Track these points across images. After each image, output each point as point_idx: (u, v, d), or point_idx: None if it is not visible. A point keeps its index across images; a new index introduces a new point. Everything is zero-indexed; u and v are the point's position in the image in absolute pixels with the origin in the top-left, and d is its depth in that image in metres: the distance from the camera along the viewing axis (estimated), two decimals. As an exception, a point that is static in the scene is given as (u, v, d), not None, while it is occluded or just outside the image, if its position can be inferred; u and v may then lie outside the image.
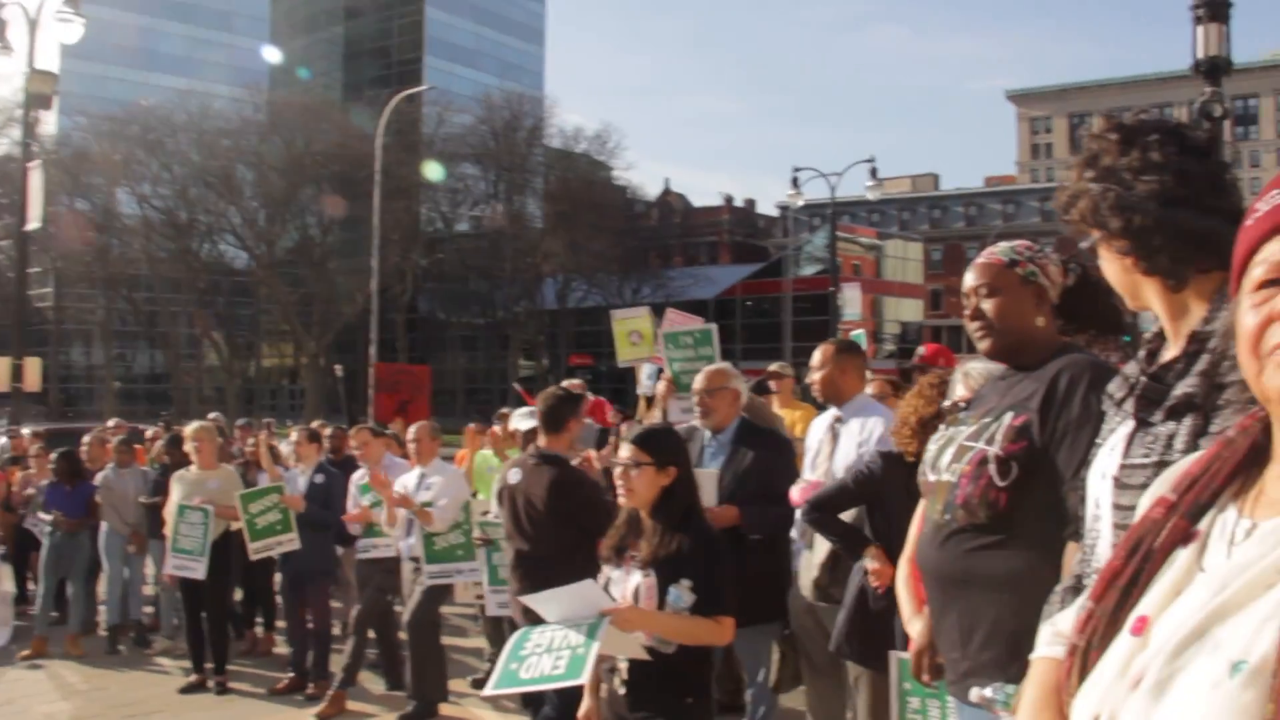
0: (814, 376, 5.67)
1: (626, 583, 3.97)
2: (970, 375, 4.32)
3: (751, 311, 68.12)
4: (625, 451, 4.10)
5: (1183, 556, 1.31)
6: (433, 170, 64.57)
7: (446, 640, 8.43)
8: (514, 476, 6.05)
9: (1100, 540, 2.10)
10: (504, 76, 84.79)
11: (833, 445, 5.56)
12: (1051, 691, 1.45)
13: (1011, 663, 2.53)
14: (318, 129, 63.23)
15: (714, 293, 68.52)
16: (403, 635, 8.28)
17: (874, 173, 35.99)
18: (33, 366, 19.66)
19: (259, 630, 10.24)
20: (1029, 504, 2.80)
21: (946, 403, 4.33)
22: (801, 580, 5.47)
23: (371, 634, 8.52)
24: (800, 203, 40.78)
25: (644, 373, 8.90)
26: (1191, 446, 1.85)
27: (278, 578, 9.32)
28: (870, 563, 4.83)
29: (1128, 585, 1.33)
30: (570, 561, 5.54)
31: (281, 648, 9.64)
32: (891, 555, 4.60)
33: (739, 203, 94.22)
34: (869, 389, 6.53)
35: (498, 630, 8.50)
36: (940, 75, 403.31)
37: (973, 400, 3.25)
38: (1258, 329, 1.27)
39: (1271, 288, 1.27)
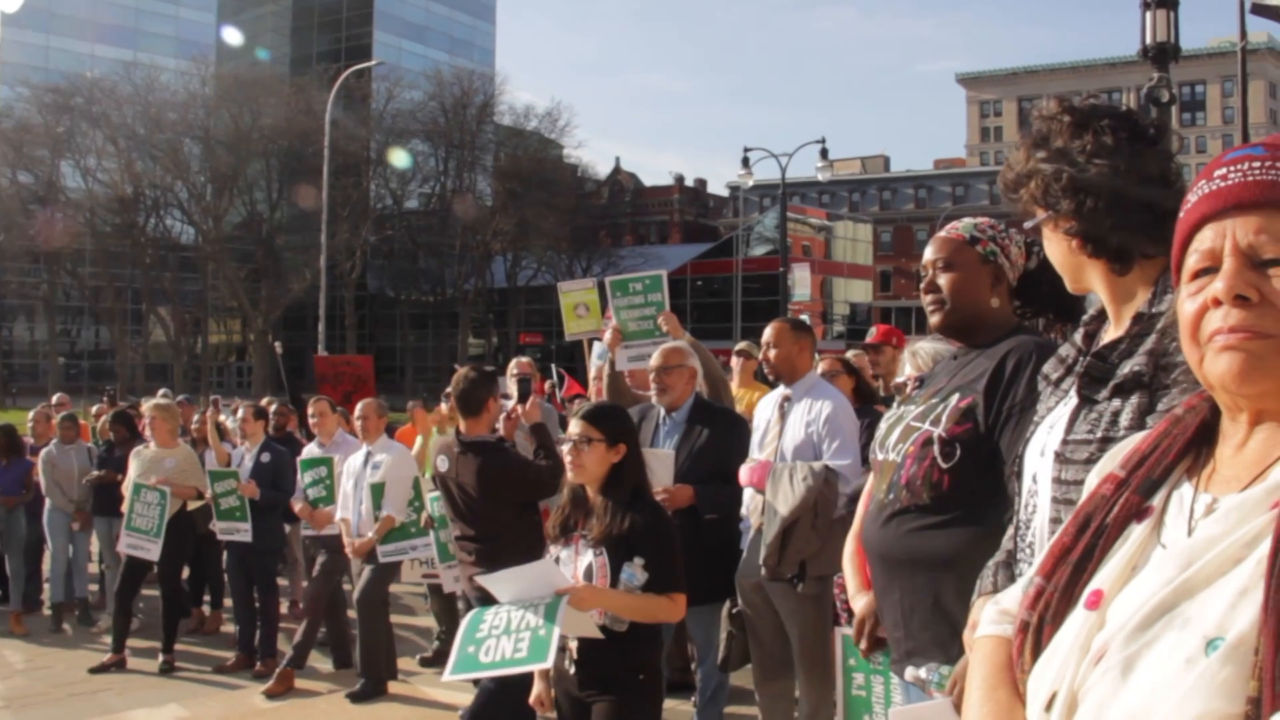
0: (770, 354, 5.66)
1: (577, 562, 3.96)
2: (918, 354, 4.36)
3: (702, 291, 68.09)
4: (575, 428, 4.07)
5: (1137, 531, 1.33)
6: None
7: (395, 619, 8.41)
8: (442, 464, 5.99)
9: (1036, 515, 2.12)
10: (454, 53, 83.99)
11: (781, 424, 5.57)
12: (1003, 669, 1.45)
13: (953, 642, 2.53)
14: (266, 103, 62.45)
15: (664, 272, 68.46)
16: (351, 614, 8.25)
17: (824, 153, 35.96)
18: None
19: (206, 609, 10.17)
20: (972, 486, 2.81)
21: (896, 381, 4.37)
22: (752, 559, 5.49)
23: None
24: (750, 183, 40.84)
25: (595, 351, 8.87)
26: (1138, 424, 1.87)
27: (225, 556, 9.25)
28: None
29: (1080, 560, 1.34)
30: (514, 537, 5.57)
31: (228, 626, 9.57)
32: None
33: (690, 182, 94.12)
34: (820, 366, 6.58)
35: (446, 609, 8.50)
36: (890, 57, 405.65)
37: (925, 379, 3.25)
38: (1195, 317, 1.30)
39: (1206, 276, 1.30)
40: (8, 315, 69.68)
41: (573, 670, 4.00)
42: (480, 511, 5.79)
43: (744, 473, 5.54)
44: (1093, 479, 1.48)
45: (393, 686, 7.87)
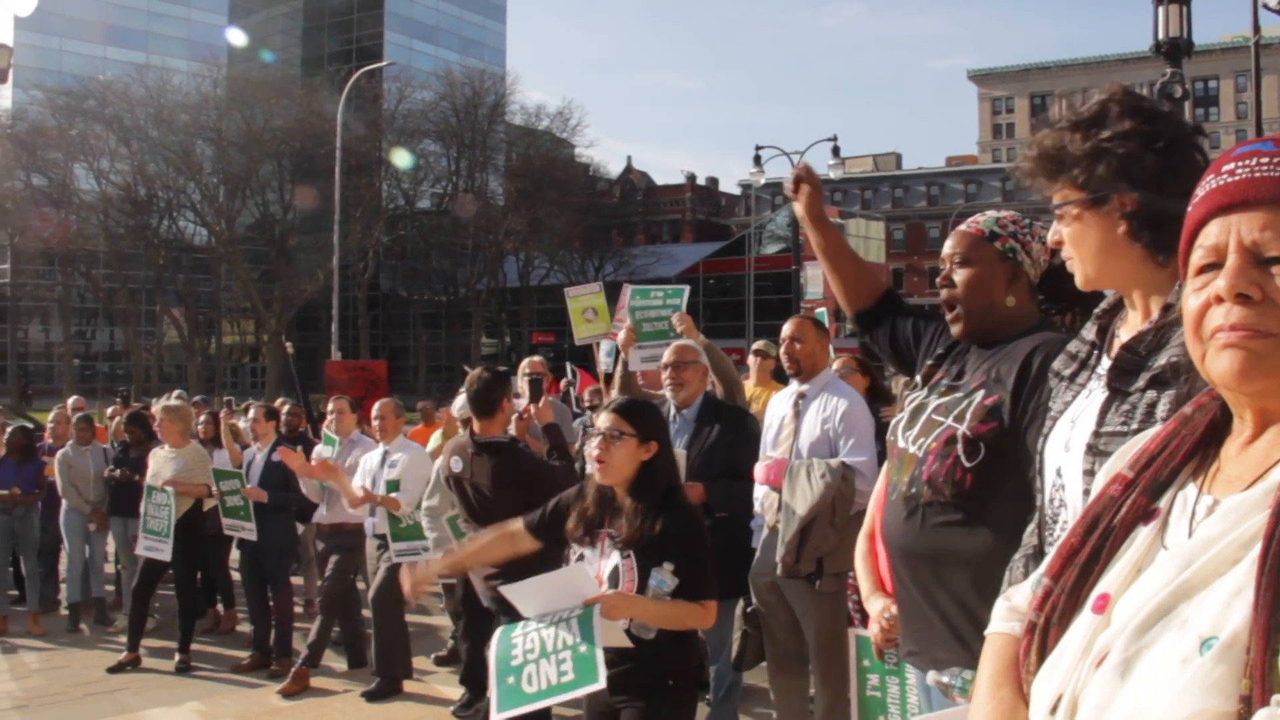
0: (796, 347, 5.62)
1: (602, 563, 3.81)
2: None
3: (714, 290, 68.05)
4: (605, 420, 3.88)
5: (1143, 534, 1.32)
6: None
7: (410, 618, 8.42)
8: (456, 465, 5.99)
9: (1064, 510, 2.11)
10: (465, 53, 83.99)
11: (796, 421, 5.57)
12: (1009, 667, 1.44)
13: (975, 641, 2.52)
14: (278, 105, 62.51)
15: (676, 271, 68.41)
16: (366, 613, 8.26)
17: (836, 151, 35.94)
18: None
19: (220, 608, 10.20)
20: (996, 485, 2.75)
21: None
22: (767, 557, 5.49)
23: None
24: (762, 181, 40.72)
25: (603, 350, 8.88)
26: None
27: (234, 555, 9.28)
28: None
29: (1087, 562, 1.33)
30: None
31: (244, 626, 9.60)
32: None
33: (701, 181, 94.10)
34: (835, 364, 6.60)
35: (463, 607, 8.49)
36: (902, 54, 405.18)
37: (947, 354, 3.15)
38: (1198, 313, 1.30)
39: (1210, 272, 1.29)
40: (23, 317, 69.91)
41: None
42: (496, 512, 5.79)
43: (760, 470, 5.55)
44: (1101, 479, 1.48)
45: (408, 685, 7.88)
